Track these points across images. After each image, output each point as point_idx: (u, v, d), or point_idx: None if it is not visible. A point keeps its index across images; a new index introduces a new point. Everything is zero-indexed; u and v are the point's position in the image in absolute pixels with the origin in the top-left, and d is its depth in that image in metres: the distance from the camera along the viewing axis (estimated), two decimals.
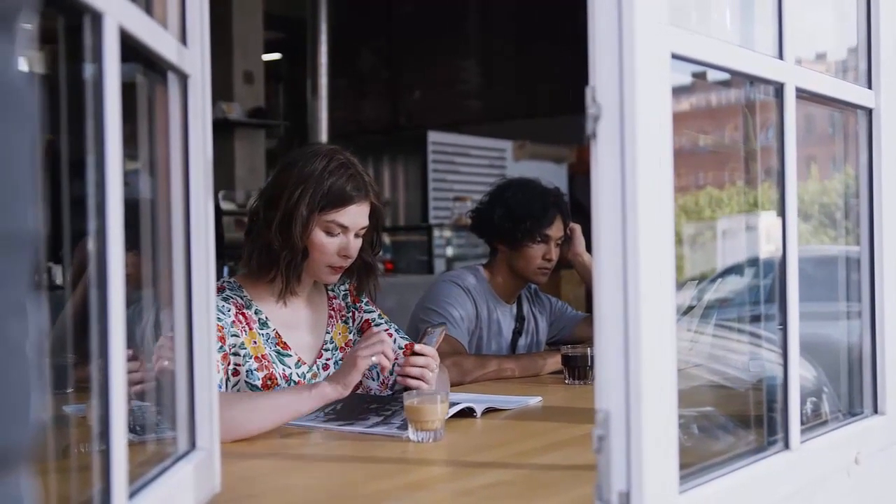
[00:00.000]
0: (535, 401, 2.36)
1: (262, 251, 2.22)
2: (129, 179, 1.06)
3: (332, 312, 2.39)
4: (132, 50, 1.10)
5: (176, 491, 1.23)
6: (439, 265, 7.37)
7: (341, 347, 2.37)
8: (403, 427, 1.91)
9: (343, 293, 2.44)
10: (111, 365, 0.99)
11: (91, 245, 1.00)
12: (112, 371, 0.99)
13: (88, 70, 0.99)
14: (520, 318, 3.14)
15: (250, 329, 2.20)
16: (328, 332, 2.36)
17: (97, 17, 0.97)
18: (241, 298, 2.23)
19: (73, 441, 1.28)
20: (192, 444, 1.35)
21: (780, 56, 1.50)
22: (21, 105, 0.55)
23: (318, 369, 2.30)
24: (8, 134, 0.53)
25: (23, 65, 0.57)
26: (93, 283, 0.99)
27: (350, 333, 2.40)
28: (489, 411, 2.19)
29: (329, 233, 2.21)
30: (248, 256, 2.24)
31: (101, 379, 0.98)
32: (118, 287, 1.00)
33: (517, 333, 3.12)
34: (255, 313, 2.24)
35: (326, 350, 2.34)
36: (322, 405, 2.02)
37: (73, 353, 1.32)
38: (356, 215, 2.22)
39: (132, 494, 1.07)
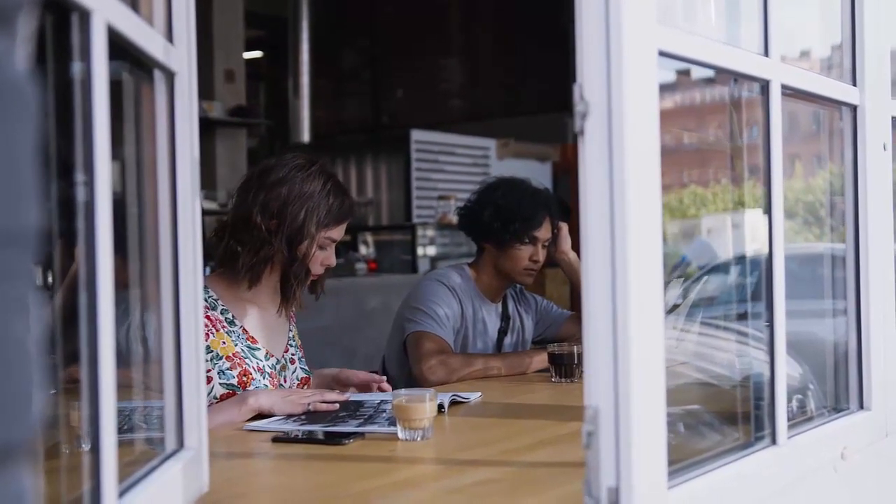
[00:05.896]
0: (475, 396, 2.37)
1: (262, 263, 2.25)
2: (114, 179, 1.05)
3: (292, 313, 2.48)
4: (118, 48, 1.09)
5: (164, 490, 1.23)
6: (423, 265, 7.35)
7: (300, 346, 2.49)
8: (393, 423, 1.90)
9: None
10: (100, 366, 0.98)
11: (79, 245, 0.99)
12: (101, 372, 0.98)
13: (76, 68, 0.98)
14: (505, 317, 3.14)
15: (217, 330, 2.21)
16: (291, 330, 2.46)
17: (85, 15, 0.97)
18: (206, 300, 2.24)
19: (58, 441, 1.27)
20: (181, 444, 1.35)
21: (766, 53, 1.51)
22: (23, 102, 0.55)
23: (286, 362, 2.39)
24: (10, 130, 0.53)
25: (23, 62, 0.57)
26: (82, 285, 0.98)
27: (299, 338, 2.53)
28: (454, 404, 2.23)
29: (322, 247, 2.29)
30: (245, 266, 2.25)
31: (91, 380, 0.98)
32: (107, 287, 0.99)
33: (503, 332, 3.12)
34: (222, 313, 2.27)
35: (291, 346, 2.44)
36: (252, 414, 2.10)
37: (54, 354, 1.31)
38: (344, 229, 2.34)
39: (121, 493, 1.06)
